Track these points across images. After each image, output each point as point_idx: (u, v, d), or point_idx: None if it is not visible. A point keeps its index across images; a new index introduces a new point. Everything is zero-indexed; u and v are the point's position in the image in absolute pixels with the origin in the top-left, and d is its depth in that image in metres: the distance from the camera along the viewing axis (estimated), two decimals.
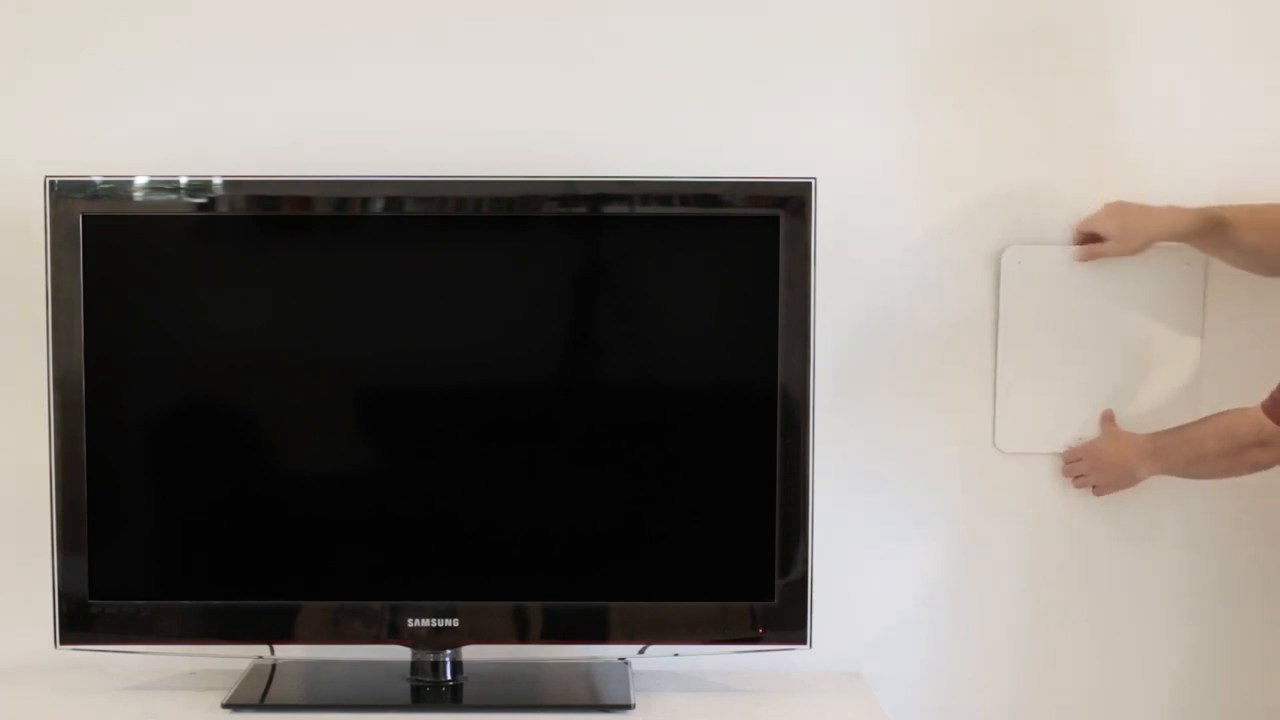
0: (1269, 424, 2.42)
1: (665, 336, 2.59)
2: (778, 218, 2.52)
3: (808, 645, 2.58)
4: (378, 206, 2.53)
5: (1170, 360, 2.74)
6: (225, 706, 2.52)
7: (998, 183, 2.73)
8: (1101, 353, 2.74)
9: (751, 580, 2.56)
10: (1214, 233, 2.59)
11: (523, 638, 2.60)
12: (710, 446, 2.58)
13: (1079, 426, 2.75)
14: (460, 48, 2.71)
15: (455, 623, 2.55)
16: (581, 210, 2.54)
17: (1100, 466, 2.71)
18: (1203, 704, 2.82)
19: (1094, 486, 2.74)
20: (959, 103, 2.71)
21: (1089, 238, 2.67)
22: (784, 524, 2.54)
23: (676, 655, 2.67)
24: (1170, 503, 2.77)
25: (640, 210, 2.54)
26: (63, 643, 2.55)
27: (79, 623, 2.54)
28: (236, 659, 2.68)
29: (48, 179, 2.50)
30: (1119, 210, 2.64)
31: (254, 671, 2.67)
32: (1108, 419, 2.73)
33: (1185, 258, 2.70)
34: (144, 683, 2.65)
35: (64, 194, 2.50)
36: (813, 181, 2.52)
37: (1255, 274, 2.65)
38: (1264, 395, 2.43)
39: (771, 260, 2.52)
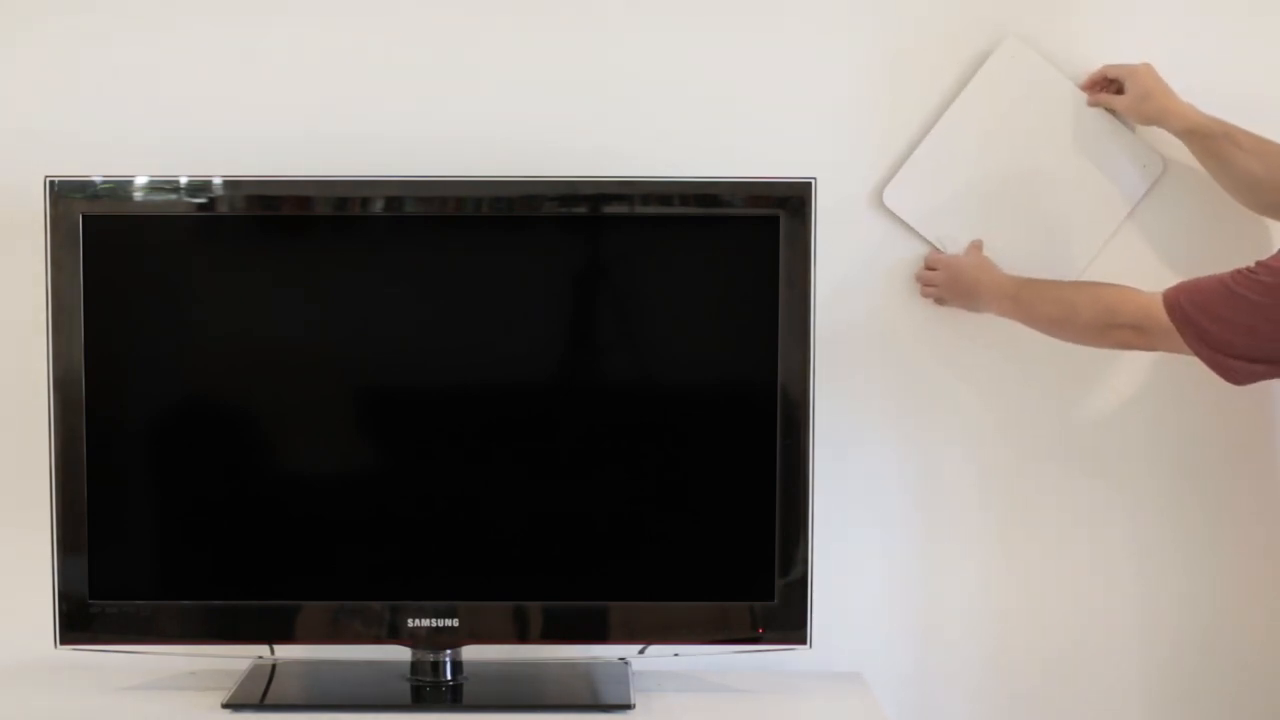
0: (1159, 315, 2.41)
1: (665, 336, 2.59)
2: (778, 218, 2.52)
3: (808, 645, 2.58)
4: (378, 206, 2.53)
5: (1078, 199, 2.75)
6: (225, 706, 2.52)
7: None
8: (1015, 176, 2.74)
9: (751, 580, 2.56)
10: (1220, 143, 2.61)
11: (523, 638, 2.60)
12: (710, 446, 2.58)
13: (950, 228, 2.74)
14: (460, 47, 2.71)
15: (455, 623, 2.55)
16: (581, 210, 2.54)
17: (954, 285, 2.70)
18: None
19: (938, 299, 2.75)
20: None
21: (1108, 85, 2.69)
22: (784, 524, 2.54)
23: (676, 655, 2.67)
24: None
25: (640, 210, 2.54)
26: (63, 643, 2.55)
27: (79, 623, 2.54)
28: (236, 659, 2.68)
29: (48, 179, 2.50)
30: (1151, 74, 2.65)
31: (254, 671, 2.67)
32: (975, 246, 2.72)
33: (1144, 158, 2.72)
34: (144, 683, 2.64)
35: (64, 194, 2.50)
36: (813, 181, 2.52)
37: (1243, 204, 2.65)
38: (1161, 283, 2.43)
39: (771, 260, 2.52)
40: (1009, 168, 2.74)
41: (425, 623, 2.55)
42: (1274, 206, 2.62)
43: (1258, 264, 2.34)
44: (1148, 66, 2.66)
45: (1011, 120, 2.73)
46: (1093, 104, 2.71)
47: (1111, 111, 2.71)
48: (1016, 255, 2.71)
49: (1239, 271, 2.36)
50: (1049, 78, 2.72)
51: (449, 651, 2.60)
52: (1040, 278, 2.64)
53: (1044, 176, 2.74)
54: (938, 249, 2.74)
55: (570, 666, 2.72)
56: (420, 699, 2.58)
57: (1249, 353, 2.36)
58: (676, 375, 2.59)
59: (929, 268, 2.73)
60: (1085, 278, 2.72)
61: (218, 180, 2.53)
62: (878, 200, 2.73)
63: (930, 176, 2.74)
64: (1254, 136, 2.61)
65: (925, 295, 2.75)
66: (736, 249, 2.55)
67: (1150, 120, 2.67)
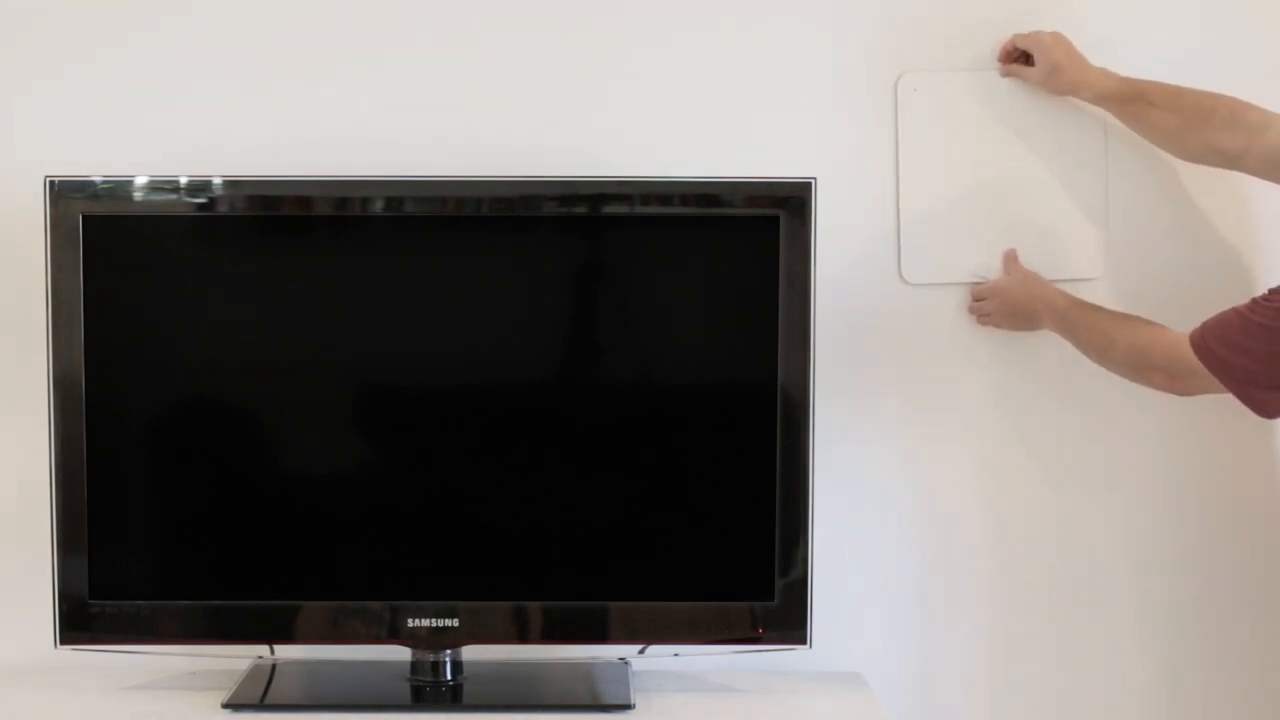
0: (1187, 356, 2.40)
1: (665, 336, 2.59)
2: (778, 218, 2.52)
3: (808, 645, 2.58)
4: (378, 206, 2.53)
5: (1073, 205, 2.74)
6: (225, 706, 2.52)
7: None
8: (1001, 187, 2.74)
9: (751, 580, 2.56)
10: (1134, 104, 2.62)
11: (523, 638, 2.60)
12: (710, 446, 2.58)
13: (981, 256, 2.73)
14: (460, 49, 2.71)
15: (455, 623, 2.55)
16: (581, 210, 2.54)
17: (1008, 310, 2.69)
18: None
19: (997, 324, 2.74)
20: None
21: (1020, 56, 2.68)
22: (784, 524, 2.54)
23: (676, 655, 2.67)
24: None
25: (640, 210, 2.54)
26: (63, 643, 2.55)
27: (79, 623, 2.54)
28: (236, 659, 2.68)
29: (48, 179, 2.50)
30: (1060, 44, 2.64)
31: (254, 671, 2.67)
32: (1011, 259, 2.71)
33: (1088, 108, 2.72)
34: (144, 683, 2.64)
35: (64, 194, 2.50)
36: (813, 181, 2.52)
37: (1167, 153, 2.65)
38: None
39: (771, 260, 2.52)
40: (985, 177, 2.73)
41: (425, 623, 2.55)
42: (1202, 155, 2.60)
43: (1270, 291, 2.32)
44: (1056, 36, 2.64)
45: (963, 134, 2.72)
46: (1005, 75, 2.70)
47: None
48: (1034, 255, 2.71)
49: (1255, 300, 2.33)
50: (965, 82, 2.71)
51: (449, 651, 2.60)
52: (1089, 302, 2.63)
53: (1016, 168, 2.73)
54: (978, 281, 2.73)
55: (570, 666, 2.72)
56: (420, 699, 2.58)
57: (1272, 381, 2.33)
58: (677, 375, 2.59)
59: (977, 299, 2.73)
60: (1108, 259, 2.73)
61: (218, 180, 2.53)
62: (895, 265, 2.74)
63: (926, 230, 2.73)
64: (1166, 89, 2.60)
65: (983, 324, 2.74)
66: (736, 249, 2.56)
67: (1062, 92, 2.67)
